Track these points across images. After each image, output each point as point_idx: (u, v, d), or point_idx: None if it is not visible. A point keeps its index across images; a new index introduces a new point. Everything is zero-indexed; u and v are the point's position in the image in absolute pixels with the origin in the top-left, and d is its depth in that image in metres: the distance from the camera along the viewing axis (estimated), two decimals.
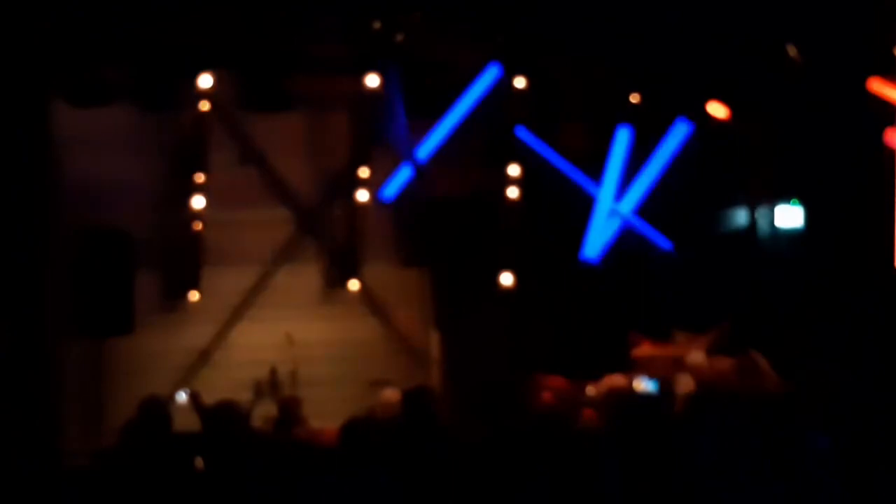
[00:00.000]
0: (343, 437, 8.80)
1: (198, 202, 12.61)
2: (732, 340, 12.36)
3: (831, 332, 12.73)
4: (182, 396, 10.52)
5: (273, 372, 12.20)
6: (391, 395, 10.45)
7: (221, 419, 9.45)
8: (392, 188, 13.32)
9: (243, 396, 10.19)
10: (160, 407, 9.58)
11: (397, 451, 8.78)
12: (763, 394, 11.45)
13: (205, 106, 12.46)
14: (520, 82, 13.38)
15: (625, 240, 13.83)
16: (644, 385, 11.36)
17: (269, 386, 12.12)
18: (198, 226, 12.64)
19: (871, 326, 12.87)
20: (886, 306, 13.05)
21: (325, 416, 10.52)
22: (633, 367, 12.52)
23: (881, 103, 12.93)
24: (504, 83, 13.34)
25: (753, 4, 12.66)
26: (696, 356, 11.94)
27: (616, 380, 12.24)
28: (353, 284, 13.35)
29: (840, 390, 9.71)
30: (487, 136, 13.51)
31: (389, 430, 9.15)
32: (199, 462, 8.97)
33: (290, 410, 11.14)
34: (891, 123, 13.02)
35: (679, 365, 12.13)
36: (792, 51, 13.18)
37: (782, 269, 13.79)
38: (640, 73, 13.30)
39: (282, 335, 12.65)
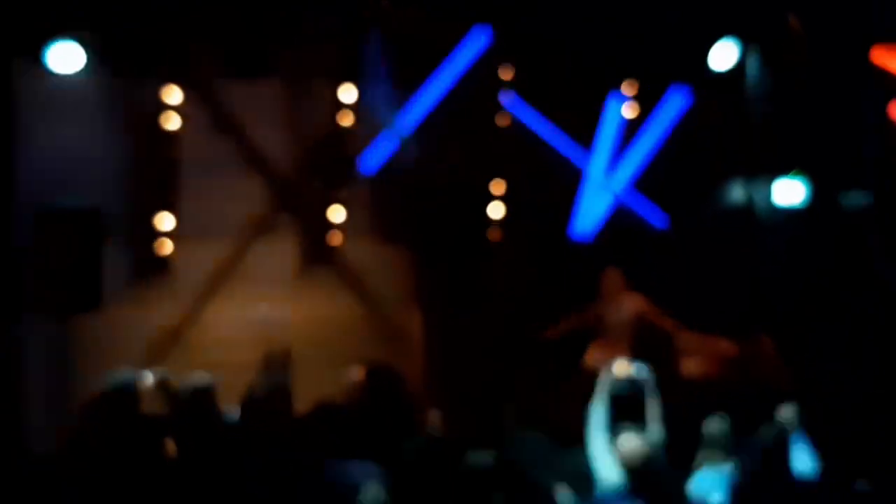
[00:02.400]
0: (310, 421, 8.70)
1: (169, 174, 12.24)
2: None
3: (834, 316, 12.57)
4: (148, 378, 10.18)
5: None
6: (357, 374, 10.21)
7: (195, 403, 9.28)
8: (374, 161, 12.96)
9: (215, 376, 9.94)
10: (128, 389, 9.42)
11: (365, 433, 8.64)
12: (767, 382, 11.35)
13: (171, 123, 12.18)
14: (507, 49, 13.10)
15: (618, 216, 13.61)
16: (630, 369, 10.51)
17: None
18: (169, 198, 12.26)
19: (875, 310, 12.68)
20: (889, 284, 12.86)
21: (301, 398, 10.16)
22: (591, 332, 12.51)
23: (885, 74, 12.77)
24: (491, 50, 13.03)
25: None
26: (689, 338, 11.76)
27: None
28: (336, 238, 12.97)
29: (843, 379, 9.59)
30: (473, 106, 13.21)
31: (356, 411, 9.03)
32: (169, 446, 8.82)
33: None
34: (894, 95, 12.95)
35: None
36: (794, 21, 12.92)
37: (782, 246, 13.51)
38: (635, 40, 12.93)
39: (256, 313, 12.35)
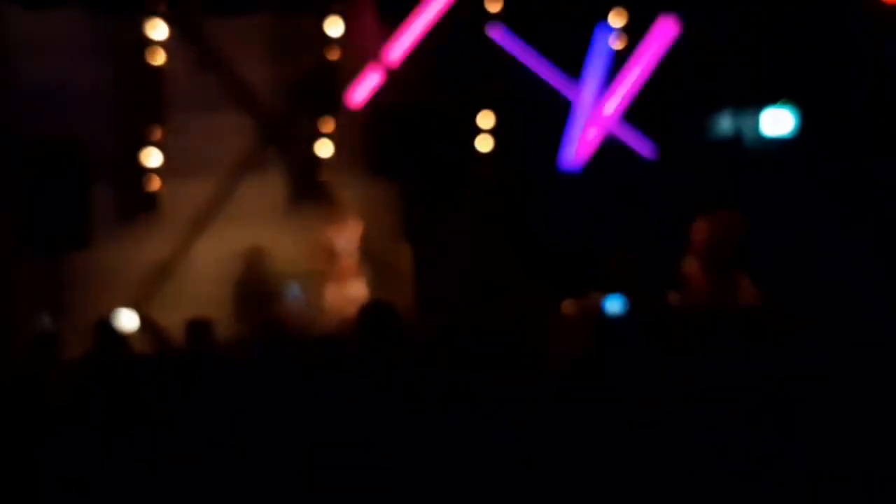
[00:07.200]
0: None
1: (155, 109, 12.14)
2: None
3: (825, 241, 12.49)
4: (129, 318, 10.13)
5: None
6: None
7: (190, 339, 9.24)
8: (361, 94, 12.87)
9: (207, 313, 9.87)
10: (114, 330, 9.39)
11: (359, 367, 8.59)
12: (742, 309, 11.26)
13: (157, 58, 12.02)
14: None
15: (606, 147, 13.50)
16: (608, 305, 10.17)
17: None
18: (156, 135, 12.15)
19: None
20: (880, 214, 12.80)
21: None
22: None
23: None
24: None
25: None
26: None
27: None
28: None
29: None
30: (460, 37, 13.11)
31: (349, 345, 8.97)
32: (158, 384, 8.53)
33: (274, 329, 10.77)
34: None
35: None
36: None
37: (771, 176, 13.45)
38: None
39: (245, 249, 12.32)
